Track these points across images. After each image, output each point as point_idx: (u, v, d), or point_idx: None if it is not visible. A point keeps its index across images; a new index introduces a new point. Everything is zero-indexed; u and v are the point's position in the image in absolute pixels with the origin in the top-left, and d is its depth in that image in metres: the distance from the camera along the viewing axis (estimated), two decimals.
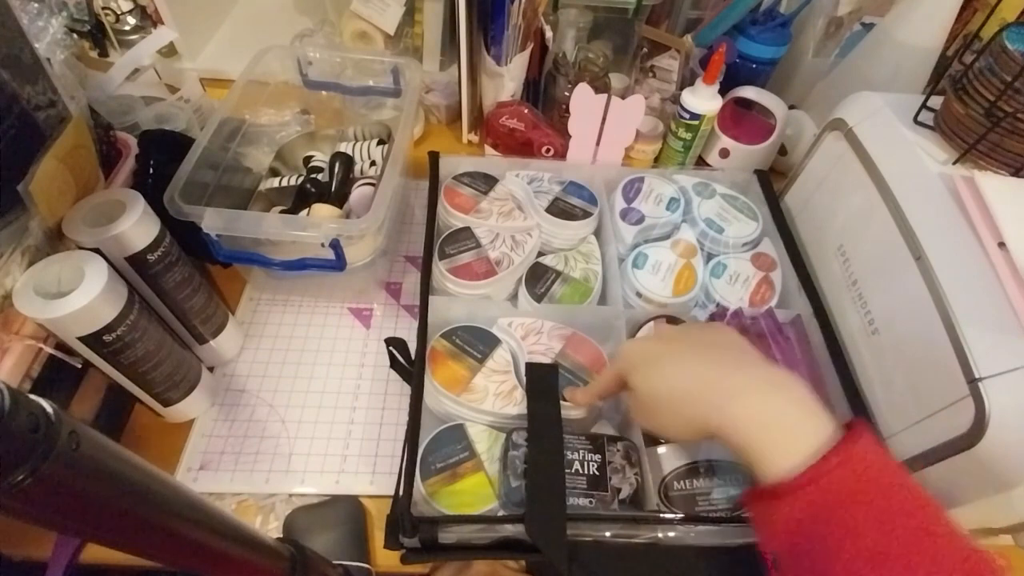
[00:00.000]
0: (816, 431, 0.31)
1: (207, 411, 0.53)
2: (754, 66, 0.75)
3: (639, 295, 0.56)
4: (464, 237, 0.58)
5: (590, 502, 0.43)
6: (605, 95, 0.63)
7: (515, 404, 0.47)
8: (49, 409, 0.20)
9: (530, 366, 0.48)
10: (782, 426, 0.32)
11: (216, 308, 0.52)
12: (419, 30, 0.80)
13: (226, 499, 0.49)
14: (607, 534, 0.42)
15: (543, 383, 0.47)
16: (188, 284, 0.47)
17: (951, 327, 0.41)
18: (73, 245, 0.41)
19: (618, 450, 0.46)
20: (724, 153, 0.74)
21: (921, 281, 0.44)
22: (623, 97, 0.64)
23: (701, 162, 0.77)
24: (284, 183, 0.61)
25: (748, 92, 0.72)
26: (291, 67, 0.65)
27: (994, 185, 0.46)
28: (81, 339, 0.39)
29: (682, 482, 0.45)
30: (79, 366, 0.42)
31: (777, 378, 0.34)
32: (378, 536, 0.47)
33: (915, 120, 0.53)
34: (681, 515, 0.43)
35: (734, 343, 0.39)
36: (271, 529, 0.48)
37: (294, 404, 0.54)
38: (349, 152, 0.63)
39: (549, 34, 0.70)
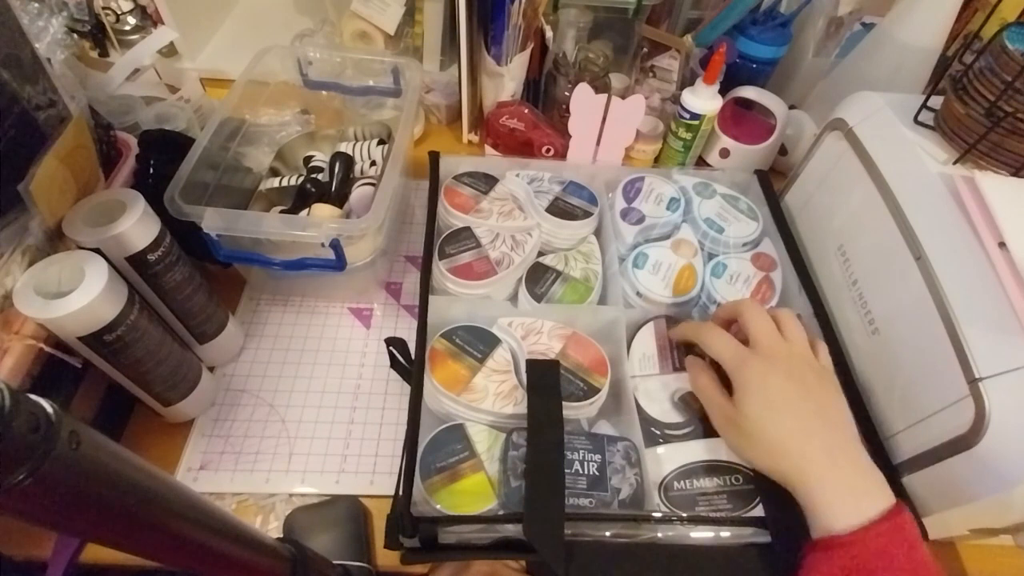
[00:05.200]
0: (875, 500, 0.38)
1: (207, 411, 0.53)
2: (754, 66, 0.75)
3: (639, 295, 0.56)
4: (464, 237, 0.58)
5: (590, 502, 0.43)
6: (605, 95, 0.63)
7: (515, 404, 0.47)
8: (49, 409, 0.20)
9: (531, 363, 0.48)
10: (848, 490, 0.38)
11: (216, 308, 0.52)
12: (419, 30, 0.80)
13: (226, 499, 0.49)
14: (607, 534, 0.42)
15: (544, 380, 0.47)
16: (188, 284, 0.47)
17: (951, 327, 0.41)
18: (73, 245, 0.41)
19: (618, 450, 0.46)
20: (724, 153, 0.74)
21: (921, 281, 0.44)
22: (623, 97, 0.64)
23: (701, 162, 0.77)
24: (284, 183, 0.61)
25: (748, 92, 0.72)
26: (291, 67, 0.65)
27: (994, 185, 0.46)
28: (81, 339, 0.39)
29: (682, 482, 0.45)
30: (79, 366, 0.42)
31: (852, 448, 0.41)
32: (378, 536, 0.47)
33: (915, 120, 0.53)
34: (681, 515, 0.43)
35: (832, 402, 0.43)
36: (271, 529, 0.48)
37: (294, 404, 0.54)
38: (349, 152, 0.63)
39: (549, 34, 0.70)
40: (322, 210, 0.56)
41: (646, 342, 0.53)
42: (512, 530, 0.41)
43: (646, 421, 0.48)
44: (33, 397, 0.20)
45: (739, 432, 0.43)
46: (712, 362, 0.48)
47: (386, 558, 0.46)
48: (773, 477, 0.41)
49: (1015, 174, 0.47)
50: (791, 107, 0.74)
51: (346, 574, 0.42)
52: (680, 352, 0.52)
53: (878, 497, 0.38)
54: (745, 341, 0.45)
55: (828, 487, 0.38)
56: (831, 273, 0.56)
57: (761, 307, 0.47)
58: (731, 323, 0.49)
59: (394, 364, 0.54)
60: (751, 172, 0.67)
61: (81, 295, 0.37)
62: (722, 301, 0.56)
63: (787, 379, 0.42)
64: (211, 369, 0.54)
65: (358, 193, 0.60)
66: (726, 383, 0.45)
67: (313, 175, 0.62)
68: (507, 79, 0.68)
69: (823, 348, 0.47)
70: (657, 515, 0.43)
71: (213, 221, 0.48)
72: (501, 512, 0.42)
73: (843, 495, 0.38)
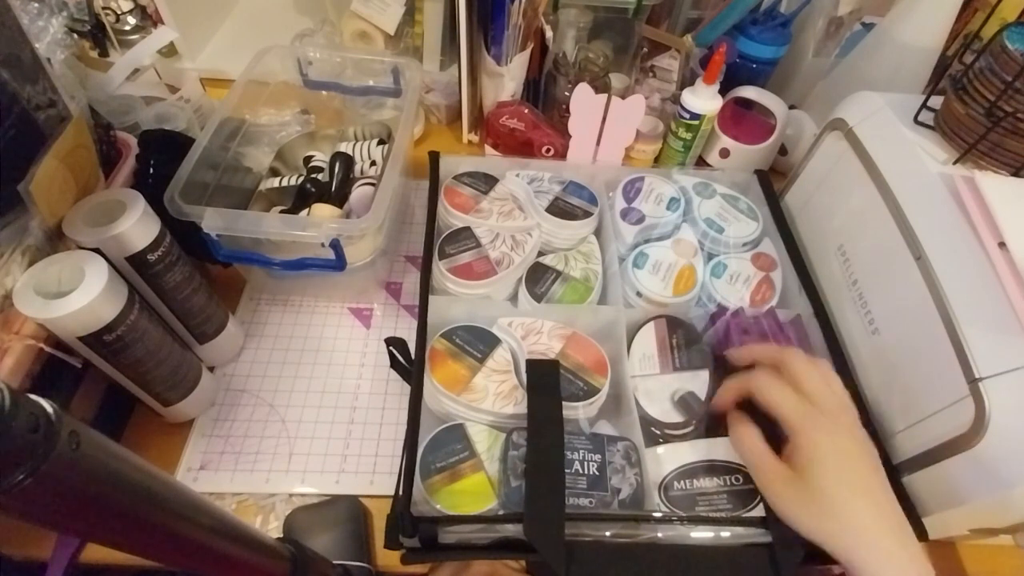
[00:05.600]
0: None
1: (207, 411, 0.53)
2: (754, 66, 0.75)
3: (639, 295, 0.56)
4: (464, 237, 0.58)
5: (590, 502, 0.43)
6: (605, 95, 0.63)
7: (515, 404, 0.47)
8: (49, 409, 0.20)
9: (531, 363, 0.48)
10: (909, 569, 0.37)
11: (216, 308, 0.52)
12: (419, 30, 0.80)
13: (226, 499, 0.49)
14: (607, 534, 0.42)
15: (544, 380, 0.47)
16: (188, 284, 0.47)
17: (951, 327, 0.41)
18: (73, 245, 0.41)
19: (618, 450, 0.46)
20: (724, 153, 0.74)
21: (921, 281, 0.44)
22: (623, 97, 0.64)
23: (701, 162, 0.77)
24: (284, 183, 0.61)
25: (748, 92, 0.72)
26: (291, 67, 0.65)
27: (994, 185, 0.46)
28: (81, 339, 0.39)
29: (682, 482, 0.45)
30: (79, 366, 0.42)
31: (907, 526, 0.39)
32: (378, 536, 0.47)
33: (915, 120, 0.53)
34: (681, 515, 0.43)
35: (877, 457, 0.41)
36: (271, 529, 0.48)
37: (294, 404, 0.54)
38: (349, 152, 0.63)
39: (549, 34, 0.70)
40: (322, 210, 0.56)
41: (646, 342, 0.53)
42: (512, 530, 0.41)
43: (646, 421, 0.48)
44: (33, 397, 0.20)
45: (801, 501, 0.39)
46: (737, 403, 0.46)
47: (386, 558, 0.46)
48: (827, 548, 0.38)
49: (1015, 174, 0.47)
50: (791, 107, 0.74)
51: (346, 574, 0.42)
52: (680, 353, 0.52)
53: (927, 572, 0.37)
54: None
55: (893, 567, 0.37)
56: (831, 273, 0.56)
57: (807, 356, 0.43)
58: (752, 366, 0.46)
59: (394, 364, 0.54)
60: (751, 172, 0.67)
61: (81, 295, 0.37)
62: (722, 301, 0.56)
63: (853, 443, 0.40)
64: (211, 369, 0.54)
65: (358, 193, 0.60)
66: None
67: (313, 175, 0.62)
68: (507, 79, 0.68)
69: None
70: (657, 515, 0.43)
71: (213, 221, 0.48)
72: (501, 512, 0.42)
73: (898, 569, 0.37)
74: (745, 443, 0.43)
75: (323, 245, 0.50)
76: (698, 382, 0.50)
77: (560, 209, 0.61)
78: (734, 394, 0.45)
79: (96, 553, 0.45)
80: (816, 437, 0.39)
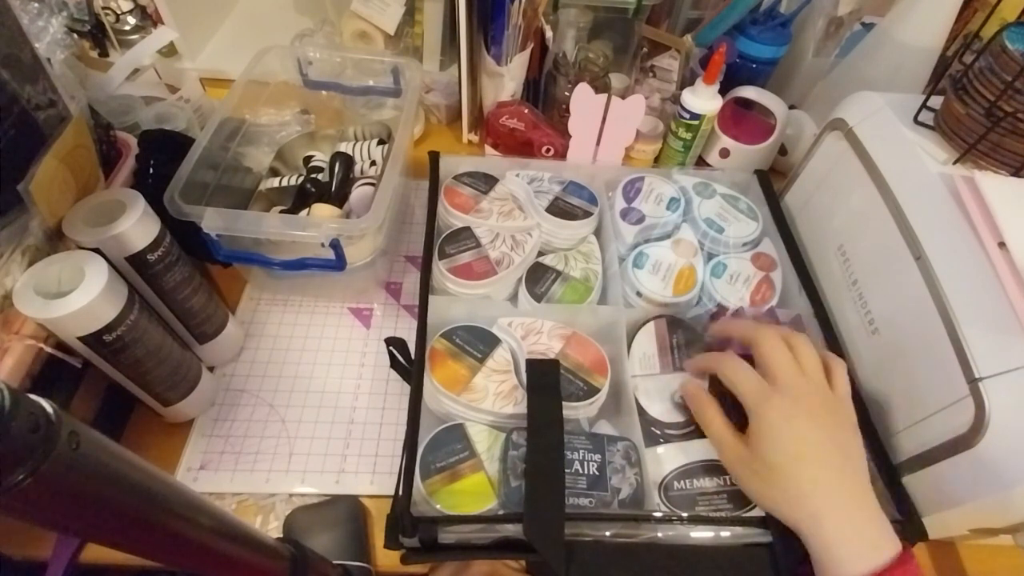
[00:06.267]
0: (884, 549, 0.37)
1: (207, 411, 0.53)
2: (754, 66, 0.75)
3: (639, 295, 0.56)
4: (464, 237, 0.58)
5: (590, 502, 0.43)
6: (605, 95, 0.63)
7: (515, 404, 0.47)
8: (49, 409, 0.20)
9: (531, 362, 0.48)
10: (859, 540, 0.38)
11: (216, 308, 0.52)
12: (419, 30, 0.80)
13: (226, 499, 0.49)
14: (607, 534, 0.42)
15: (544, 380, 0.47)
16: (188, 284, 0.47)
17: (951, 327, 0.41)
18: (73, 245, 0.41)
19: (618, 450, 0.46)
20: (724, 153, 0.74)
21: (921, 281, 0.44)
22: (623, 97, 0.64)
23: (701, 162, 0.77)
24: (284, 183, 0.61)
25: (748, 92, 0.72)
26: (291, 67, 0.65)
27: (994, 185, 0.46)
28: (81, 339, 0.39)
29: (682, 482, 0.45)
30: (79, 366, 0.42)
31: (866, 496, 0.40)
32: (378, 536, 0.47)
33: (915, 120, 0.53)
34: (681, 515, 0.43)
35: (850, 442, 0.42)
36: (271, 529, 0.48)
37: (294, 404, 0.54)
38: (349, 152, 0.63)
39: (549, 34, 0.70)
40: (322, 210, 0.56)
41: (646, 342, 0.53)
42: (512, 530, 0.41)
43: (646, 421, 0.48)
44: (33, 397, 0.20)
45: (753, 475, 0.41)
46: (712, 386, 0.47)
47: (386, 558, 0.46)
48: (782, 520, 0.40)
49: (1015, 174, 0.47)
50: (791, 107, 0.74)
51: (346, 574, 0.42)
52: (681, 352, 0.52)
53: (888, 545, 0.38)
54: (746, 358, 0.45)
55: (843, 537, 0.38)
56: (831, 273, 0.56)
57: (778, 336, 0.44)
58: (731, 341, 0.48)
59: (394, 364, 0.54)
60: (751, 172, 0.67)
61: (81, 295, 0.37)
62: (722, 301, 0.56)
63: (810, 421, 0.41)
64: (211, 369, 0.54)
65: (358, 193, 0.60)
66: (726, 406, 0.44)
67: (313, 175, 0.62)
68: (507, 79, 0.68)
69: (839, 372, 0.44)
70: (657, 515, 0.43)
71: (213, 221, 0.48)
72: (501, 512, 0.42)
73: (857, 545, 0.38)
74: (706, 418, 0.45)
75: (323, 245, 0.50)
76: (698, 382, 0.50)
77: (560, 209, 0.61)
78: (700, 368, 0.49)
79: (96, 553, 0.45)
80: (768, 415, 0.41)
